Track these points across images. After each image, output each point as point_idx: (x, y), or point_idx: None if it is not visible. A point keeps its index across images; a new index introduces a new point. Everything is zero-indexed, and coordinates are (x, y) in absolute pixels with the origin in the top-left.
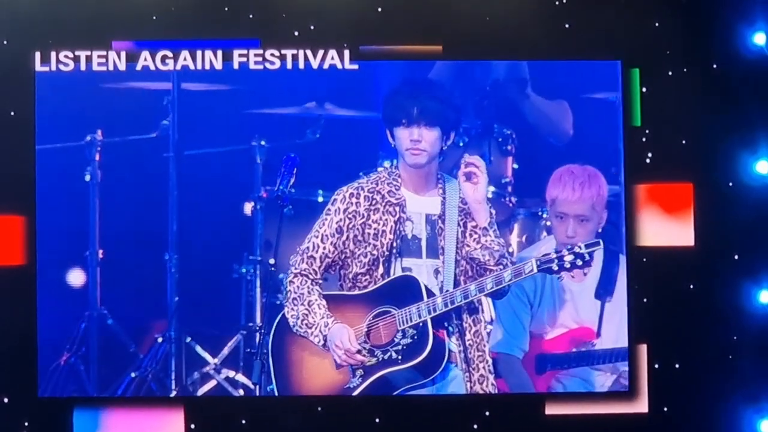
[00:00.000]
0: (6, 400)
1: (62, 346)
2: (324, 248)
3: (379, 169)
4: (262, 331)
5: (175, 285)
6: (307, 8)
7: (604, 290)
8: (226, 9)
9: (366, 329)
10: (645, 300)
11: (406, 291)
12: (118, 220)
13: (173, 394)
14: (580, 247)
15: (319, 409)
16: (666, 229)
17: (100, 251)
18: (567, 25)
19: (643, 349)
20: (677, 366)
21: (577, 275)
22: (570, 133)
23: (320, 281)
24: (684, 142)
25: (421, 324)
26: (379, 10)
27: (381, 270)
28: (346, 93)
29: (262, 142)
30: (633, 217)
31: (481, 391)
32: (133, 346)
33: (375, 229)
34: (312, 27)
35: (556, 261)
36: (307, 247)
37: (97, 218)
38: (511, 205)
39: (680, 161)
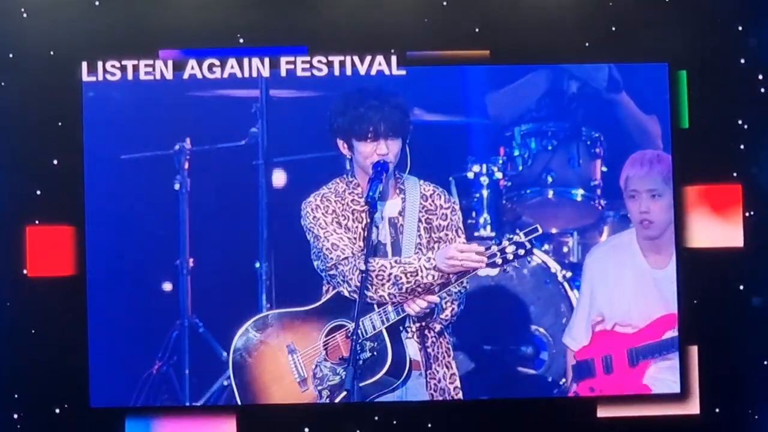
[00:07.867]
0: (58, 410)
1: (154, 355)
2: (340, 237)
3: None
4: (353, 338)
5: (266, 293)
6: (354, 15)
7: None
8: (273, 16)
9: (323, 346)
10: (695, 302)
11: (352, 302)
12: (208, 229)
13: None
14: (519, 235)
15: (376, 418)
16: (715, 230)
17: (191, 260)
18: (614, 28)
19: (694, 350)
20: (728, 367)
21: (656, 262)
22: (660, 148)
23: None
24: (732, 143)
25: (377, 335)
26: (426, 18)
27: None
28: (433, 97)
29: None
30: (682, 218)
31: (443, 390)
32: (225, 354)
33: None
34: (359, 34)
35: (498, 255)
36: (329, 247)
37: (187, 227)
38: (600, 207)
39: (728, 163)
